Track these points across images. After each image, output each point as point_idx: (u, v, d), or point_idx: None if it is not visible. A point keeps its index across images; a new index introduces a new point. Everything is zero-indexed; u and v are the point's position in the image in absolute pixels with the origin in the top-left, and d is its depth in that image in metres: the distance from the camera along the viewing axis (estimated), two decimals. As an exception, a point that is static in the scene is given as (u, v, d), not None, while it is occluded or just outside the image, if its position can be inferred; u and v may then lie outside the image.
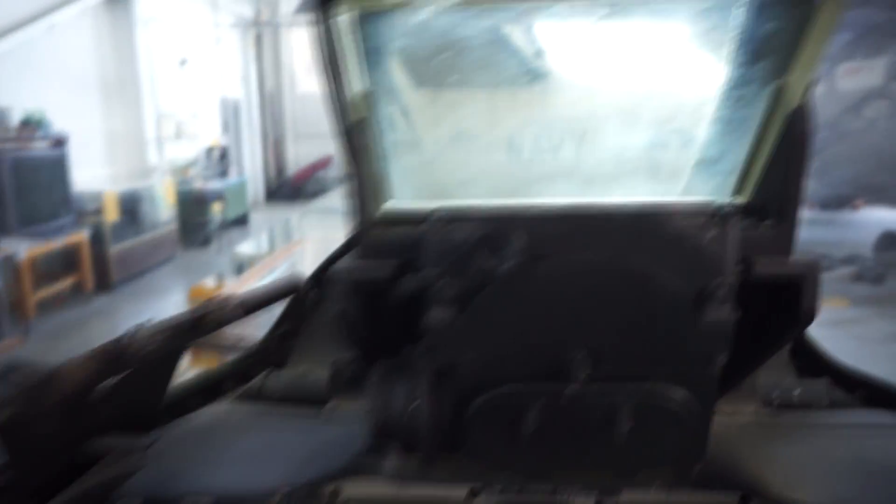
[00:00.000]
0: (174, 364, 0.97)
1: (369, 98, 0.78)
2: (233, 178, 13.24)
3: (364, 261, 0.73)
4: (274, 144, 17.79)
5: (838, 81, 6.73)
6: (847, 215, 12.83)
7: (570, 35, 0.74)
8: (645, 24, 0.70)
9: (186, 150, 12.40)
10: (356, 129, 0.73)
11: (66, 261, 7.66)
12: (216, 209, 11.34)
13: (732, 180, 0.75)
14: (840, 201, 12.35)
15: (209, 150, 13.13)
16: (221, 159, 13.33)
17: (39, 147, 7.91)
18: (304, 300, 1.27)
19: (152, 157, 11.31)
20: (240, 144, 15.72)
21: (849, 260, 8.47)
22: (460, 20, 0.71)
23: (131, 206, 9.12)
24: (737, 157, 0.73)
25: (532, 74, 0.77)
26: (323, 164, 16.96)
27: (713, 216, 0.63)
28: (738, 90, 0.70)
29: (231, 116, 15.26)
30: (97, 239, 8.05)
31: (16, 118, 7.84)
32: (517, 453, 0.67)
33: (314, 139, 16.94)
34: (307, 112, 17.44)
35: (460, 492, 0.79)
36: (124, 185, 9.73)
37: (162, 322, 0.87)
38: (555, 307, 0.63)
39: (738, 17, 0.66)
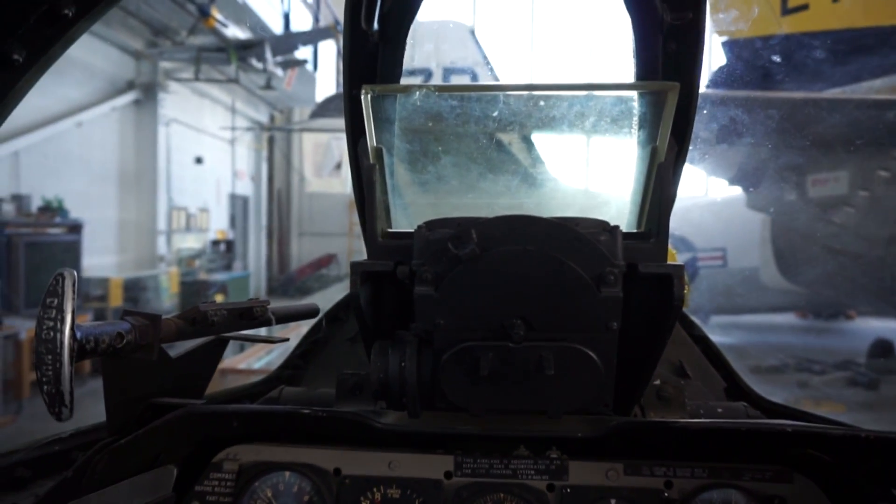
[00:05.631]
0: (222, 348, 1.15)
1: (378, 152, 1.04)
2: (237, 270, 13.50)
3: (372, 260, 0.99)
4: (279, 240, 18.28)
5: (809, 190, 7.21)
6: (841, 324, 12.98)
7: (526, 111, 1.05)
8: (583, 106, 1.03)
9: (194, 241, 12.80)
10: (367, 174, 1.00)
11: (67, 343, 7.71)
12: (218, 300, 11.52)
13: (635, 212, 1.05)
14: (833, 311, 12.55)
15: (215, 243, 13.54)
16: (227, 252, 13.70)
17: (55, 232, 8.26)
18: (319, 331, 1.50)
19: (161, 247, 11.69)
20: (246, 239, 16.19)
21: (842, 366, 8.50)
22: (444, 101, 1.04)
23: (135, 294, 9.34)
24: (635, 197, 1.04)
25: (498, 138, 1.07)
26: (326, 261, 17.35)
27: (605, 229, 0.94)
28: (638, 149, 1.01)
29: (239, 212, 15.83)
30: (99, 323, 8.18)
31: (36, 205, 8.25)
32: (476, 392, 0.89)
33: (318, 237, 17.46)
34: (313, 211, 18.10)
35: (437, 474, 1.01)
36: (131, 273, 10.00)
37: (220, 303, 1.07)
38: (499, 285, 0.88)
39: (631, 102, 1.01)
